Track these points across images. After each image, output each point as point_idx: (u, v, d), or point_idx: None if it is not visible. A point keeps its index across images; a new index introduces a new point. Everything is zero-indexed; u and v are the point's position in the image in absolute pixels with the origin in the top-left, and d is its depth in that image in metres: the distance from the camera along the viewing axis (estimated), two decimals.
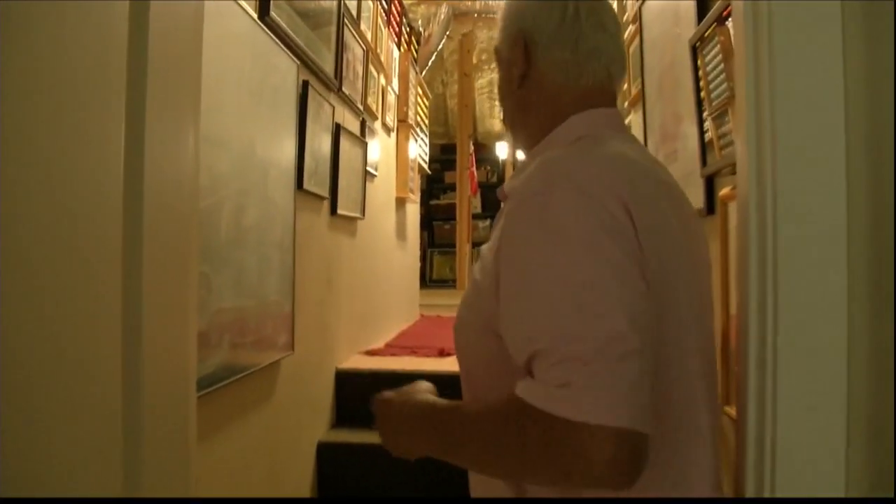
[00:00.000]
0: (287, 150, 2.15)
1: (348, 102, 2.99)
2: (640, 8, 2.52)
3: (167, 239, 0.99)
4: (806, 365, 0.97)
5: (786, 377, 0.97)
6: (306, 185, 2.35)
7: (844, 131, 0.99)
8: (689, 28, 1.85)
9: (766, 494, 0.98)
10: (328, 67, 2.62)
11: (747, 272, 1.04)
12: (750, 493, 1.02)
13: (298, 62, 2.23)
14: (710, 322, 0.99)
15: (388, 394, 1.01)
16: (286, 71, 2.13)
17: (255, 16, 1.88)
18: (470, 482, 1.00)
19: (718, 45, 1.68)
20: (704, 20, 1.65)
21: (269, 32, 1.96)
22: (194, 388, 1.16)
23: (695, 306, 0.93)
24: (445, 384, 2.85)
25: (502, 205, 0.96)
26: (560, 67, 0.96)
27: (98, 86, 0.78)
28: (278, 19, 2.02)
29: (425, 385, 0.99)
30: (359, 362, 3.12)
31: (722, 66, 1.66)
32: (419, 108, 4.97)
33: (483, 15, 5.98)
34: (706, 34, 1.64)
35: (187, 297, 1.09)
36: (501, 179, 8.68)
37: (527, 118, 1.01)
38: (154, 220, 0.91)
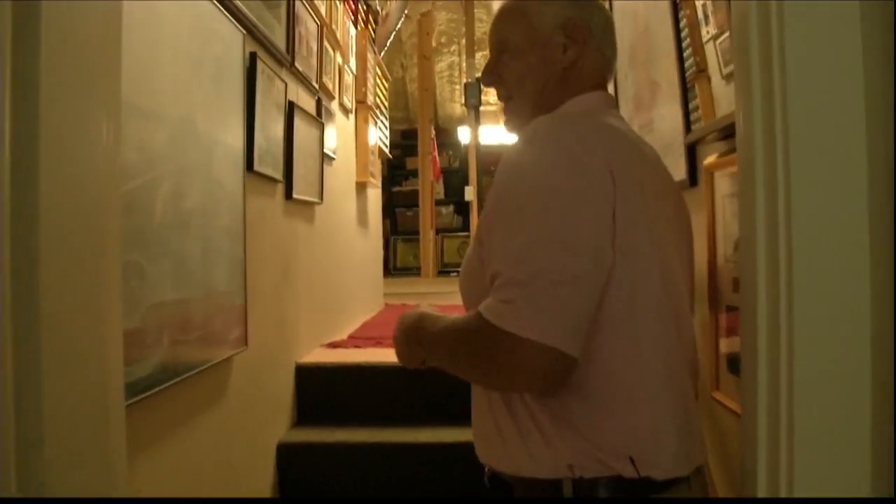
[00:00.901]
0: (234, 127, 1.97)
1: (302, 80, 2.81)
2: None
3: (74, 225, 0.85)
4: (827, 355, 0.84)
5: (803, 367, 0.85)
6: (257, 167, 2.17)
7: (864, 91, 0.87)
8: None
9: (783, 494, 0.86)
10: (279, 40, 2.44)
11: (753, 248, 0.91)
12: (762, 493, 0.90)
13: (244, 31, 2.04)
14: (690, 295, 1.10)
15: (408, 312, 1.17)
16: (231, 40, 1.94)
17: None
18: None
19: (684, 19, 1.56)
20: None
21: None
22: (121, 395, 1.01)
23: (681, 275, 1.04)
24: (411, 375, 2.69)
25: None
26: (600, 63, 1.11)
27: None
28: None
29: (427, 305, 1.15)
30: (321, 356, 2.95)
31: (688, 40, 1.55)
32: (378, 90, 4.79)
33: None
34: None
35: (106, 291, 0.94)
36: (464, 164, 8.53)
37: (548, 99, 1.09)
38: (54, 207, 0.78)
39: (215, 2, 1.81)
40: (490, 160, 6.92)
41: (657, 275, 0.96)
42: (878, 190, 0.84)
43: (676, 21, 1.60)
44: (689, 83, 1.58)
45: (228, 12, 1.92)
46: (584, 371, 0.91)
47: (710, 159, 1.49)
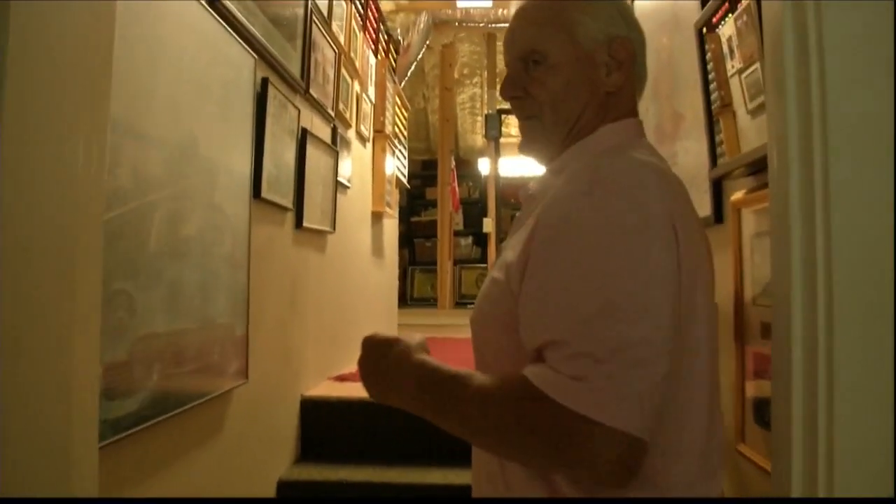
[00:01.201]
0: (241, 153, 1.91)
1: (317, 107, 2.76)
2: (631, 4, 2.31)
3: (43, 253, 0.78)
4: (872, 419, 0.75)
5: (846, 428, 0.75)
6: (265, 194, 2.11)
7: None
8: (690, 15, 1.64)
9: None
10: (293, 67, 2.39)
11: (787, 295, 0.82)
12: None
13: (256, 56, 2.00)
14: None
15: (380, 337, 0.97)
16: (241, 64, 1.89)
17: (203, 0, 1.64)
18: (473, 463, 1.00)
19: (709, 53, 1.49)
20: (711, 1, 1.44)
21: (218, 19, 1.73)
22: (94, 433, 0.94)
23: (713, 331, 0.90)
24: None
25: (522, 207, 1.02)
26: (638, 86, 1.00)
27: None
28: (231, 6, 1.79)
29: (419, 337, 0.97)
30: (327, 389, 2.86)
31: (713, 74, 1.48)
32: (398, 120, 4.75)
33: (464, 24, 5.80)
34: (714, 17, 1.43)
35: (79, 322, 0.87)
36: (483, 195, 8.47)
37: (584, 126, 0.97)
38: (17, 233, 0.71)
39: (225, 24, 1.76)
40: (510, 192, 6.86)
41: (708, 330, 0.86)
42: None
43: (703, 53, 1.52)
44: (714, 117, 1.50)
45: (239, 36, 1.87)
46: None
47: (737, 195, 1.40)
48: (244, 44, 1.91)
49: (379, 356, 0.94)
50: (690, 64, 1.63)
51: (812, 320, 0.78)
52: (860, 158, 0.79)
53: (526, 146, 1.02)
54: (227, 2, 1.77)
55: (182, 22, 1.53)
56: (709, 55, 1.51)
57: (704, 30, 1.50)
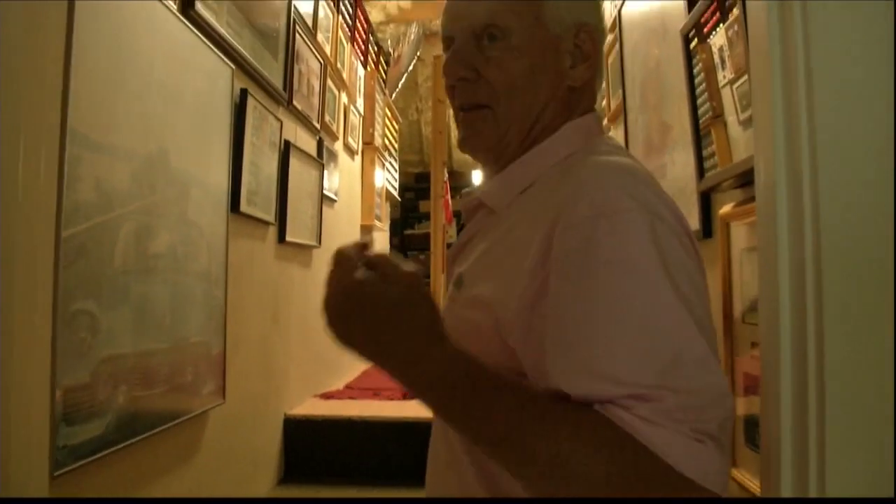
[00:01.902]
0: (218, 166, 1.86)
1: (301, 118, 2.71)
2: (619, 12, 2.27)
3: None
4: (864, 448, 0.69)
5: (837, 448, 0.70)
6: (244, 208, 2.05)
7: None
8: (677, 23, 1.60)
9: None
10: (275, 78, 2.34)
11: (776, 315, 0.77)
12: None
13: (234, 66, 1.95)
14: None
15: (408, 272, 0.66)
16: (216, 75, 1.84)
17: (173, 7, 1.59)
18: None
19: (700, 64, 1.45)
20: (697, 6, 1.40)
21: (191, 27, 1.68)
22: (44, 463, 0.87)
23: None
24: (408, 431, 2.49)
25: (475, 215, 0.88)
26: (599, 83, 0.86)
27: None
28: (206, 14, 1.75)
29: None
30: (312, 407, 2.79)
31: (704, 84, 1.43)
32: (388, 131, 4.71)
33: None
34: (702, 21, 1.39)
35: (27, 344, 0.81)
36: None
37: (545, 124, 0.82)
38: None
39: (198, 33, 1.71)
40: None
41: None
42: None
43: (689, 60, 1.47)
44: (705, 129, 1.46)
45: (215, 45, 1.82)
46: None
47: (725, 209, 1.35)
48: (220, 53, 1.86)
49: (408, 306, 0.65)
50: (678, 74, 1.58)
51: (802, 340, 0.73)
52: (849, 170, 0.74)
53: (472, 141, 0.83)
54: (202, 10, 1.72)
55: (152, 29, 1.48)
56: (700, 66, 1.47)
57: (692, 37, 1.45)
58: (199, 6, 1.70)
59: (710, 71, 1.39)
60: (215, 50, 1.82)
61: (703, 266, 0.73)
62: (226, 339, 1.90)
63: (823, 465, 0.70)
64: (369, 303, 0.64)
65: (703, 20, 1.39)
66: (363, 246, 0.68)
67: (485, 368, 0.66)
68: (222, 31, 1.85)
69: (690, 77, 1.47)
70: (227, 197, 1.91)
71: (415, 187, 8.43)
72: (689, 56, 1.47)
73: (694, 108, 1.46)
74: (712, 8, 1.34)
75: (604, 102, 2.87)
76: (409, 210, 8.55)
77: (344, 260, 0.66)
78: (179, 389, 1.63)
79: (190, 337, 1.68)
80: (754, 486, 1.23)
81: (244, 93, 2.05)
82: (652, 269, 0.65)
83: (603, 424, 0.62)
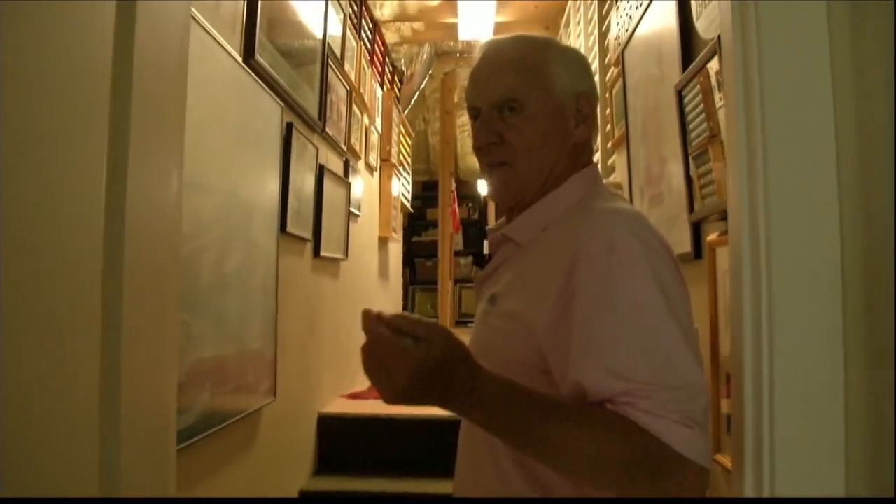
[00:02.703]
0: (270, 192, 2.12)
1: (332, 143, 2.98)
2: (622, 52, 2.54)
3: (147, 287, 0.95)
4: (803, 411, 0.95)
5: (783, 426, 0.95)
6: (290, 228, 2.32)
7: (836, 174, 0.98)
8: (672, 69, 1.86)
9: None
10: (312, 108, 2.61)
11: (741, 319, 1.02)
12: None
13: (282, 104, 2.21)
14: None
15: (452, 340, 0.83)
16: (270, 113, 2.11)
17: (239, 59, 1.86)
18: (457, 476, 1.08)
19: (698, 86, 1.69)
20: (691, 67, 1.65)
21: (253, 75, 1.95)
22: (174, 444, 1.11)
23: None
24: (429, 427, 2.79)
25: (501, 247, 1.07)
26: (595, 136, 1.08)
27: (79, 125, 0.75)
28: (263, 62, 2.01)
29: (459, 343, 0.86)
30: (342, 406, 3.05)
31: (701, 106, 1.67)
32: (402, 147, 4.98)
33: (465, 55, 6.03)
34: (694, 78, 1.65)
35: (167, 347, 1.05)
36: (483, 216, 8.69)
37: (557, 176, 1.03)
38: (134, 268, 0.88)
39: (257, 79, 1.98)
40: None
41: None
42: (851, 272, 0.95)
43: (682, 113, 1.73)
44: (703, 148, 1.70)
45: (269, 87, 2.09)
46: None
47: (712, 236, 1.60)
48: (273, 94, 2.12)
49: (450, 358, 0.81)
50: (673, 116, 1.84)
51: (758, 340, 0.98)
52: (798, 216, 0.99)
53: (501, 192, 1.03)
54: (260, 58, 1.99)
55: (225, 82, 1.74)
56: (697, 89, 1.71)
57: (685, 94, 1.71)
58: (257, 56, 1.97)
59: (708, 93, 1.61)
60: (269, 91, 2.09)
61: (685, 284, 0.97)
62: (276, 345, 2.16)
63: (773, 444, 0.96)
64: (424, 367, 0.79)
65: (693, 79, 1.64)
66: (378, 315, 0.84)
67: (519, 386, 0.85)
68: (274, 74, 2.11)
69: (683, 126, 1.72)
70: (277, 219, 2.18)
71: (422, 195, 8.66)
72: (681, 107, 1.73)
73: (685, 152, 1.72)
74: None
75: (608, 128, 3.14)
76: (416, 218, 8.78)
77: (382, 337, 0.82)
78: (243, 389, 1.89)
79: (251, 343, 1.94)
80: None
81: (290, 126, 2.31)
82: (650, 291, 0.86)
83: (619, 418, 0.81)
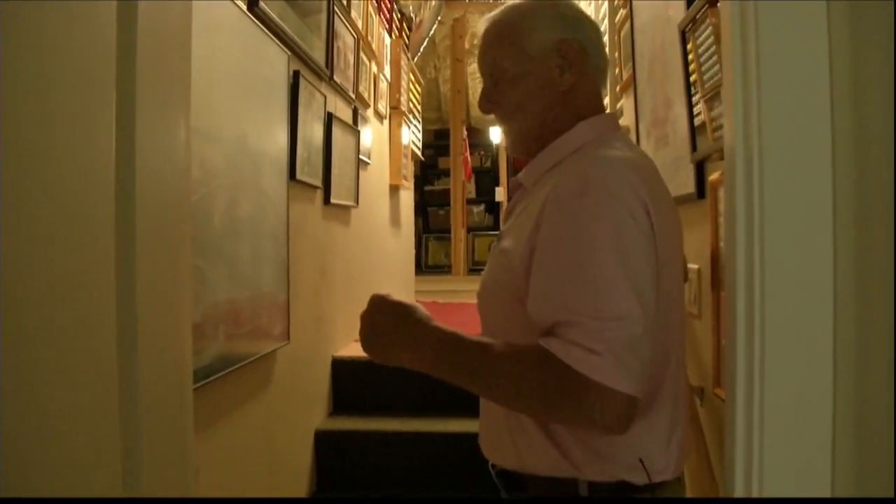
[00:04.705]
0: (279, 141, 2.15)
1: (340, 91, 2.99)
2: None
3: (160, 232, 0.99)
4: (793, 356, 0.98)
5: (773, 364, 0.99)
6: (299, 176, 2.35)
7: (830, 118, 1.00)
8: (679, 11, 1.85)
9: (755, 494, 1.00)
10: (319, 57, 2.61)
11: (734, 260, 1.05)
12: (739, 492, 1.03)
13: (289, 52, 2.23)
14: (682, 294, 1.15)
15: (398, 301, 1.04)
16: (277, 61, 2.12)
17: (244, 6, 1.87)
18: (480, 431, 1.19)
19: (710, 28, 1.68)
20: (694, 4, 1.65)
21: (258, 23, 1.96)
22: (190, 380, 1.16)
23: (679, 284, 1.11)
24: None
25: (516, 192, 1.17)
26: (599, 75, 1.13)
27: (86, 79, 0.78)
28: (268, 9, 2.01)
29: (423, 310, 1.05)
30: (355, 350, 3.13)
31: (714, 48, 1.67)
32: (411, 95, 4.96)
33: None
34: (697, 17, 1.64)
35: (181, 289, 1.09)
36: (495, 164, 8.66)
37: (552, 125, 1.11)
38: (146, 214, 0.91)
39: (263, 28, 1.99)
40: (521, 161, 7.04)
41: (677, 299, 1.07)
42: (843, 216, 0.98)
43: (685, 53, 1.72)
44: (715, 91, 1.70)
45: (275, 35, 2.10)
46: None
47: (714, 176, 1.62)
48: (279, 42, 2.13)
49: (398, 319, 1.01)
50: (677, 59, 1.84)
51: (750, 283, 1.01)
52: (791, 160, 1.01)
53: (510, 148, 1.18)
54: (264, 6, 1.99)
55: (230, 31, 1.76)
56: (709, 30, 1.71)
57: (687, 32, 1.71)
58: (262, 3, 1.97)
59: (721, 35, 1.62)
60: (275, 40, 2.10)
61: (668, 229, 1.02)
62: (289, 290, 2.21)
63: (763, 367, 1.00)
64: (373, 329, 1.03)
65: (697, 16, 1.64)
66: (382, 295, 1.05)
67: (458, 336, 0.98)
68: (280, 21, 2.12)
69: (686, 67, 1.72)
70: (286, 167, 2.21)
71: (434, 144, 8.61)
72: (684, 47, 1.73)
73: (688, 94, 1.72)
74: None
75: (616, 71, 3.11)
76: (428, 167, 8.75)
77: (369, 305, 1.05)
78: (257, 331, 1.95)
79: (263, 287, 2.00)
80: None
81: (297, 74, 2.33)
82: (603, 242, 0.93)
83: (539, 350, 0.92)
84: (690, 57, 1.69)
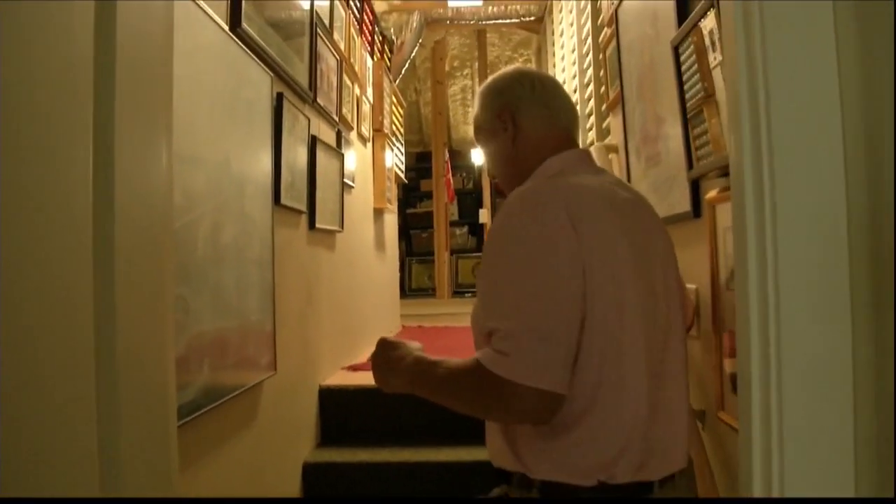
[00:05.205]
0: (263, 164, 2.09)
1: (323, 114, 2.94)
2: (616, 10, 2.50)
3: (140, 262, 0.94)
4: (811, 374, 0.94)
5: (790, 388, 0.94)
6: (283, 200, 2.29)
7: (841, 126, 0.97)
8: (668, 28, 1.83)
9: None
10: (302, 78, 2.57)
11: (745, 278, 1.01)
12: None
13: (272, 74, 2.17)
14: (662, 308, 1.19)
15: (392, 340, 1.31)
16: (260, 83, 2.07)
17: (226, 27, 1.82)
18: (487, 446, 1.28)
19: (692, 46, 1.66)
20: (687, 21, 1.62)
21: (241, 44, 1.90)
22: (174, 420, 1.10)
23: (640, 299, 1.14)
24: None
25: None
26: (540, 121, 1.30)
27: (63, 101, 0.73)
28: (250, 30, 1.97)
29: (419, 344, 1.28)
30: (342, 378, 3.05)
31: (695, 66, 1.64)
32: (394, 117, 4.93)
33: (455, 22, 5.95)
34: (690, 34, 1.62)
35: (163, 322, 1.03)
36: (477, 186, 8.65)
37: (520, 169, 1.29)
38: (126, 243, 0.86)
39: (245, 49, 1.94)
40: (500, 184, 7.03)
41: (618, 312, 1.11)
42: (857, 224, 0.94)
43: (679, 69, 1.70)
44: (698, 108, 1.68)
45: (257, 57, 2.04)
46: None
47: (711, 193, 1.59)
48: (262, 64, 2.08)
49: (390, 351, 1.26)
50: (669, 74, 1.81)
51: (764, 304, 0.97)
52: (802, 172, 0.97)
53: (503, 196, 1.33)
54: (247, 26, 1.94)
55: (212, 53, 1.70)
56: (691, 48, 1.68)
57: (681, 46, 1.68)
58: (244, 24, 1.92)
59: (702, 53, 1.59)
60: (258, 61, 2.05)
61: (611, 249, 1.11)
62: (275, 317, 2.14)
63: (781, 398, 0.95)
64: (376, 364, 1.28)
65: (690, 33, 1.61)
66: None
67: (427, 359, 1.20)
68: (262, 43, 2.07)
69: (680, 83, 1.69)
70: (271, 191, 2.15)
71: (415, 167, 8.59)
72: (678, 63, 1.70)
73: (683, 110, 1.69)
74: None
75: (601, 90, 3.10)
76: (410, 190, 8.72)
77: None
78: (243, 362, 1.88)
79: (249, 315, 1.93)
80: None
81: (280, 96, 2.28)
82: (517, 261, 1.10)
83: (473, 363, 1.08)
84: (688, 74, 1.66)
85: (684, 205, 1.77)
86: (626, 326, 1.11)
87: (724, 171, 1.51)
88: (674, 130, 1.83)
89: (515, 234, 1.11)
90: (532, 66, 6.93)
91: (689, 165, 1.68)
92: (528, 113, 1.29)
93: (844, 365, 0.94)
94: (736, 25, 1.02)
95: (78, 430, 0.77)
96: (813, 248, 0.96)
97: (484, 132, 1.35)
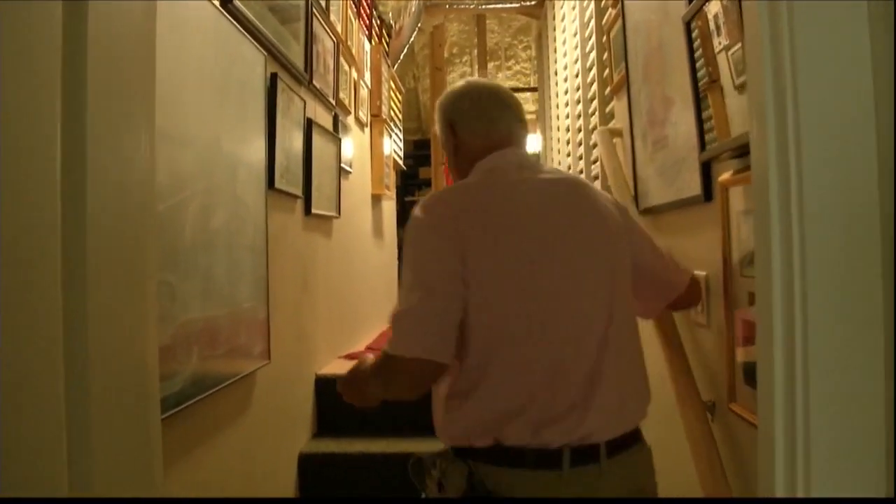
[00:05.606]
0: (256, 147, 2.02)
1: (320, 97, 2.86)
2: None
3: (116, 248, 0.88)
4: (840, 369, 0.87)
5: (819, 382, 0.88)
6: (278, 184, 2.22)
7: (875, 110, 0.90)
8: (677, 6, 1.75)
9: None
10: (298, 60, 2.49)
11: (769, 268, 0.94)
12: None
13: (266, 53, 2.10)
14: (590, 287, 1.30)
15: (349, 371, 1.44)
16: (253, 62, 1.99)
17: (216, 2, 1.74)
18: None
19: (697, 30, 1.59)
20: None
21: (233, 21, 1.83)
22: (157, 412, 1.04)
23: (545, 279, 1.26)
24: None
25: None
26: (475, 134, 1.44)
27: (25, 81, 0.66)
28: (242, 7, 1.89)
29: (371, 357, 1.38)
30: (339, 367, 2.98)
31: (699, 51, 1.57)
32: (392, 103, 4.84)
33: (454, 6, 5.85)
34: (703, 7, 1.54)
35: (143, 310, 0.97)
36: None
37: (464, 173, 1.44)
38: (99, 228, 0.80)
39: (238, 26, 1.86)
40: None
41: (504, 292, 1.23)
42: (888, 204, 0.87)
43: (690, 44, 1.62)
44: (703, 93, 1.61)
45: (250, 35, 1.97)
46: (458, 376, 1.25)
47: (724, 176, 1.52)
48: (255, 42, 2.01)
49: (353, 374, 1.42)
50: (679, 49, 1.73)
51: (790, 290, 0.90)
52: (831, 145, 0.90)
53: None
54: (238, 3, 1.87)
55: (202, 28, 1.63)
56: (696, 32, 1.61)
57: (693, 21, 1.61)
58: (236, 0, 1.85)
59: (707, 38, 1.53)
60: (251, 39, 1.97)
61: (479, 237, 1.24)
62: (268, 305, 2.08)
63: (807, 391, 0.89)
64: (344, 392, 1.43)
65: (703, 7, 1.54)
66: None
67: (367, 363, 1.36)
68: (255, 20, 1.99)
69: (691, 52, 1.62)
70: (264, 174, 2.08)
71: (414, 154, 8.50)
72: (690, 38, 1.62)
73: (695, 83, 1.62)
74: None
75: (605, 73, 3.02)
76: (408, 177, 8.64)
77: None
78: (236, 351, 1.81)
79: (241, 303, 1.86)
80: (752, 418, 1.42)
81: (274, 77, 2.20)
82: (408, 258, 1.26)
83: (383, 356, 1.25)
84: (698, 54, 1.58)
85: (694, 188, 1.69)
86: (518, 304, 1.23)
87: (738, 153, 1.44)
88: (684, 112, 1.76)
89: (409, 236, 1.28)
90: (532, 52, 6.82)
91: (702, 146, 1.61)
92: (466, 127, 1.45)
93: (875, 359, 0.87)
94: (761, 24, 0.95)
95: (44, 425, 0.71)
96: (843, 238, 0.90)
97: (440, 140, 1.54)
